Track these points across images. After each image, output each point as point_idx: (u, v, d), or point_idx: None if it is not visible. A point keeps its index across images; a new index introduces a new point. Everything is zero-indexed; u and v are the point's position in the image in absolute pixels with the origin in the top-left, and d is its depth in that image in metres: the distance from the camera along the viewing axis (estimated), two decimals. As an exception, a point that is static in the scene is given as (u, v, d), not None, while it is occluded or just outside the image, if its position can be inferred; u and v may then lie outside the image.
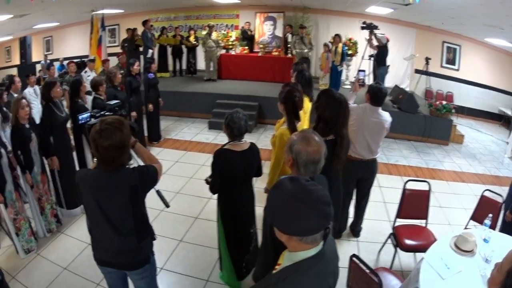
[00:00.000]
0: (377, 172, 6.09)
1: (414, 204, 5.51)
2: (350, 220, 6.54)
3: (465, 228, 5.39)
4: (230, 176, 4.44)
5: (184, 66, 17.34)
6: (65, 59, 16.77)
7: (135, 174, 3.23)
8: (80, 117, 4.12)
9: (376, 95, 5.59)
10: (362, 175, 5.99)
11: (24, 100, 5.91)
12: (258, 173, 4.83)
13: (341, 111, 4.29)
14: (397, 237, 5.27)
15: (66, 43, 20.86)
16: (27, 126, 5.96)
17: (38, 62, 19.18)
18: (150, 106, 10.40)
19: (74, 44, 19.77)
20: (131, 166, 3.43)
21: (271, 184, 4.60)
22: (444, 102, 11.57)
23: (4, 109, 7.15)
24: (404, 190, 5.51)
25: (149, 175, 3.40)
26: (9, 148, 6.04)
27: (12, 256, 5.94)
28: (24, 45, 19.20)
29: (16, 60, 20.36)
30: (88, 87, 8.22)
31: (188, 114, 13.85)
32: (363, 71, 7.30)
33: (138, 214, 3.41)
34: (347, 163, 4.97)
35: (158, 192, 3.92)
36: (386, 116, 5.73)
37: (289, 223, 1.96)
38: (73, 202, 7.03)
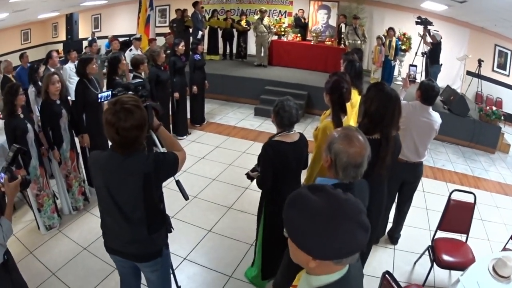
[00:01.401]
0: (421, 177, 5.67)
1: (457, 216, 5.06)
2: (389, 225, 6.12)
3: (504, 248, 5.01)
4: (281, 170, 4.11)
5: (234, 50, 17.05)
6: (114, 36, 16.76)
7: (150, 161, 3.00)
8: (99, 95, 3.81)
9: (427, 92, 5.17)
10: (406, 179, 5.56)
11: (55, 76, 5.91)
12: (305, 165, 4.46)
13: (390, 107, 3.77)
14: (435, 251, 4.86)
15: (115, 21, 20.98)
16: (58, 102, 5.95)
17: (86, 39, 19.32)
18: (195, 88, 10.21)
19: (123, 23, 19.82)
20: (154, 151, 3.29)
21: (309, 181, 4.33)
22: (494, 108, 10.98)
23: (40, 83, 7.03)
24: (449, 200, 5.05)
25: (166, 163, 3.16)
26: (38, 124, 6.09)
27: (33, 231, 6.02)
28: (71, 21, 19.55)
29: (63, 36, 20.71)
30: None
31: (235, 98, 13.64)
32: (415, 66, 6.86)
33: (151, 205, 3.15)
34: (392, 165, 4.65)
35: (177, 182, 3.69)
36: (437, 117, 5.30)
37: (328, 246, 1.53)
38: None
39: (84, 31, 20.65)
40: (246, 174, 4.54)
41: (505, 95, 14.12)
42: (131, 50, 11.35)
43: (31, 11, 16.05)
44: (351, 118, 4.92)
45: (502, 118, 10.98)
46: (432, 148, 10.28)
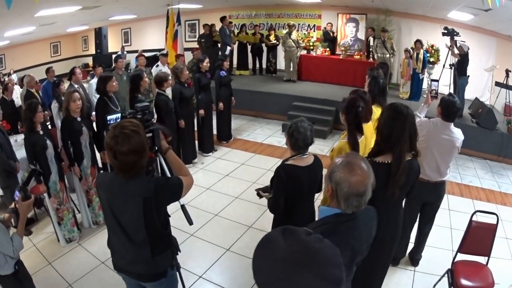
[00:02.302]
0: (443, 196, 5.47)
1: (478, 238, 4.83)
2: (411, 246, 5.91)
3: None
4: (294, 194, 4.00)
5: (264, 65, 17.01)
6: (144, 51, 16.96)
7: (150, 185, 2.99)
8: (108, 118, 3.83)
9: (448, 109, 4.98)
10: (428, 199, 5.37)
11: (76, 93, 6.04)
12: (319, 189, 4.34)
13: (398, 122, 3.61)
14: (454, 275, 4.69)
15: (144, 35, 21.30)
16: (79, 119, 6.06)
17: (115, 53, 19.48)
18: (221, 105, 10.19)
19: (152, 37, 20.12)
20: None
21: (326, 203, 4.24)
22: (522, 120, 10.64)
23: (62, 98, 7.03)
24: (471, 222, 4.83)
25: (168, 188, 3.15)
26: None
27: (53, 243, 6.21)
28: (100, 35, 20.02)
29: (93, 50, 21.17)
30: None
31: (264, 114, 13.59)
32: (437, 81, 6.69)
33: (153, 228, 3.12)
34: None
35: (182, 207, 3.69)
36: (458, 134, 5.13)
37: None
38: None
39: (113, 45, 21.16)
40: (256, 190, 4.46)
41: (534, 106, 13.71)
42: (157, 66, 11.44)
43: (59, 25, 16.46)
44: (372, 138, 4.70)
45: (531, 130, 10.60)
46: (460, 164, 10.07)
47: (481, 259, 4.91)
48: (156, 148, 3.51)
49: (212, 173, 8.94)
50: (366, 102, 4.44)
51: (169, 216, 3.47)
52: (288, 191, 3.94)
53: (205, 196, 7.77)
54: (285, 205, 4.02)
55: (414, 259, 5.84)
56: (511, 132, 10.37)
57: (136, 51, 17.81)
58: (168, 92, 8.48)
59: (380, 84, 5.46)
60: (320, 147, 10.42)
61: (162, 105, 7.87)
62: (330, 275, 1.43)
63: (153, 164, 3.62)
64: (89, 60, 21.09)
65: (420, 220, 5.64)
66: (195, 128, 9.62)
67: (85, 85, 10.12)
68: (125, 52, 20.26)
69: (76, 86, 8.66)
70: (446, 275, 4.96)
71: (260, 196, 4.44)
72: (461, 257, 4.92)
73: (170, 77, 8.25)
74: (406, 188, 3.78)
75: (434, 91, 6.06)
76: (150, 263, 3.24)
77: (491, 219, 4.82)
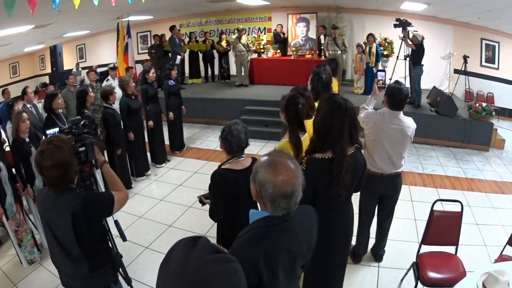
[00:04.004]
0: (401, 188, 5.24)
1: (443, 228, 4.62)
2: (372, 241, 5.70)
3: (501, 255, 4.56)
4: (233, 200, 3.80)
5: (216, 72, 17.02)
6: (99, 66, 16.94)
7: (79, 201, 2.90)
8: (47, 132, 3.71)
9: (394, 96, 4.72)
10: (384, 193, 5.16)
11: (24, 114, 5.96)
12: None
13: (337, 117, 3.30)
14: (419, 268, 4.47)
15: (99, 50, 21.14)
16: (27, 140, 5.98)
17: (71, 70, 19.15)
18: (171, 115, 10.03)
19: (107, 51, 19.94)
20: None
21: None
22: (484, 104, 10.67)
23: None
24: (432, 212, 4.61)
25: (97, 203, 3.07)
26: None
27: (17, 265, 6.11)
28: (55, 53, 20.04)
29: (49, 68, 21.19)
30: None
31: (217, 121, 13.34)
32: (383, 71, 6.57)
33: (86, 243, 3.00)
34: (366, 179, 4.30)
35: (116, 222, 3.67)
36: (409, 122, 4.87)
37: None
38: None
39: (69, 62, 21.12)
40: (198, 197, 4.29)
41: (496, 89, 13.98)
42: (108, 80, 11.20)
43: (15, 45, 16.30)
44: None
45: (494, 113, 10.61)
46: (421, 154, 10.04)
47: (450, 249, 4.69)
48: (91, 162, 3.41)
49: (165, 184, 8.82)
50: (306, 98, 4.29)
51: (108, 230, 3.43)
52: (226, 197, 3.79)
53: (159, 208, 7.66)
54: (225, 211, 3.86)
55: (377, 255, 5.62)
56: (473, 118, 10.40)
57: (91, 67, 17.70)
58: (117, 105, 8.33)
59: (323, 80, 5.26)
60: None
61: (109, 119, 7.70)
62: None
63: (90, 178, 3.50)
64: (47, 79, 20.95)
65: (378, 215, 5.43)
66: (146, 140, 9.46)
67: (39, 104, 9.99)
68: (80, 69, 20.11)
69: (29, 105, 8.60)
70: (411, 268, 4.74)
71: (203, 203, 4.27)
72: (426, 249, 4.70)
73: (115, 91, 8.09)
74: (352, 184, 3.53)
75: (381, 81, 5.84)
76: (89, 278, 3.15)
77: (456, 207, 4.64)
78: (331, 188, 3.27)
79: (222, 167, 3.85)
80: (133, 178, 8.77)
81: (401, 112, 4.84)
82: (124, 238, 3.71)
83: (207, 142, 11.70)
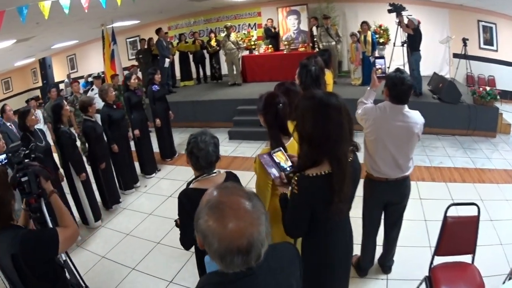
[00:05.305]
0: (409, 194, 4.55)
1: (458, 235, 3.97)
2: (379, 250, 5.06)
3: None
4: None
5: (208, 72, 16.59)
6: (89, 76, 16.74)
7: (17, 241, 2.62)
8: None
9: (396, 87, 3.98)
10: (390, 199, 4.48)
11: None
12: None
13: (334, 119, 2.57)
14: (432, 283, 3.88)
15: (89, 59, 20.93)
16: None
17: (62, 82, 19.59)
18: (158, 121, 9.58)
19: (98, 60, 19.42)
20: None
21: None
22: (487, 88, 10.16)
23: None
24: (445, 219, 3.93)
25: (38, 244, 2.74)
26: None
27: None
28: (44, 66, 20.34)
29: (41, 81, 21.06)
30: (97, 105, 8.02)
31: (209, 124, 12.74)
32: (382, 57, 5.70)
33: (32, 284, 2.76)
34: (368, 185, 3.82)
35: (65, 262, 3.31)
36: (416, 117, 4.15)
37: None
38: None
39: (60, 73, 21.20)
40: (175, 221, 3.53)
41: (497, 71, 13.45)
42: (92, 89, 10.93)
43: (3, 61, 16.36)
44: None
45: (498, 97, 10.13)
46: (427, 145, 9.49)
47: (466, 257, 4.08)
48: (36, 192, 2.99)
49: (155, 196, 8.35)
50: (294, 93, 3.71)
51: (61, 265, 3.18)
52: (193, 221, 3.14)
53: (147, 223, 7.22)
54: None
55: (385, 266, 4.99)
56: (477, 103, 9.90)
57: (82, 77, 17.58)
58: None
59: (312, 73, 4.68)
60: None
61: (89, 132, 7.27)
62: None
63: (40, 211, 3.08)
64: (39, 92, 20.95)
65: (385, 223, 4.76)
66: (133, 150, 9.05)
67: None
68: (71, 79, 19.48)
69: (8, 124, 8.19)
70: (424, 282, 4.12)
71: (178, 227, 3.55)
72: (440, 259, 4.09)
73: (95, 101, 7.68)
74: (353, 196, 2.91)
75: (380, 70, 5.08)
76: None
77: (471, 209, 3.98)
78: (330, 207, 2.62)
79: (190, 186, 3.26)
80: (121, 191, 8.32)
81: (406, 106, 4.12)
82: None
83: (200, 147, 11.09)
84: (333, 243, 2.86)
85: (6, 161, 3.31)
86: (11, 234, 2.66)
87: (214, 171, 3.25)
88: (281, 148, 3.08)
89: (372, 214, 4.59)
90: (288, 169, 2.95)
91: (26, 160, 3.10)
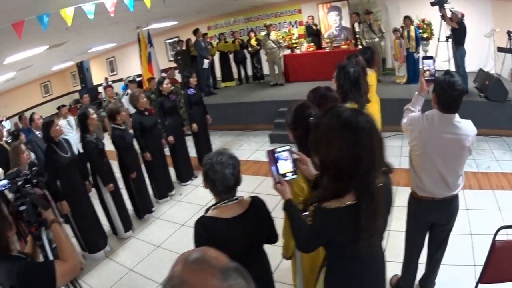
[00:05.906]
0: (457, 214, 4.03)
1: (506, 261, 3.45)
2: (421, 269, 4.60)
3: None
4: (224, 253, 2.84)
5: (250, 72, 16.32)
6: (128, 78, 16.77)
7: (13, 274, 2.45)
8: None
9: (446, 93, 3.46)
10: (436, 221, 4.01)
11: (22, 146, 6.03)
12: (272, 239, 3.11)
13: (364, 144, 2.14)
14: None
15: (129, 62, 20.89)
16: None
17: (101, 85, 19.39)
18: (194, 126, 9.28)
19: (137, 62, 19.27)
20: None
21: (288, 250, 3.15)
22: (536, 85, 9.45)
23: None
24: (493, 243, 3.44)
25: (34, 278, 2.54)
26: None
27: None
28: (82, 69, 20.41)
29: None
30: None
31: (251, 126, 12.62)
32: (430, 58, 5.01)
33: None
34: (412, 204, 3.51)
35: None
36: (468, 128, 3.62)
37: None
38: (94, 245, 6.58)
39: (99, 76, 21.28)
40: None
41: (543, 66, 12.71)
42: (128, 94, 10.60)
43: (38, 66, 16.25)
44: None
45: (547, 94, 9.42)
46: (474, 147, 8.71)
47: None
48: (35, 221, 2.90)
49: (189, 205, 8.07)
50: (331, 100, 3.31)
51: None
52: None
53: (180, 234, 6.97)
54: None
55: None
56: (526, 100, 9.15)
57: (121, 80, 17.66)
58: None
59: (350, 75, 4.27)
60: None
61: (118, 141, 7.09)
62: None
63: (40, 240, 2.98)
64: (78, 96, 21.06)
65: (429, 245, 4.29)
66: (168, 155, 8.86)
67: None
68: (109, 82, 19.48)
69: (37, 132, 8.19)
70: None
71: None
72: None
73: (122, 109, 7.46)
74: (386, 224, 2.48)
75: (428, 72, 4.50)
76: None
77: None
78: (357, 243, 2.23)
79: (207, 214, 2.92)
80: (156, 200, 8.15)
81: (457, 115, 3.59)
82: None
83: (239, 152, 10.67)
84: (361, 281, 2.49)
85: (9, 185, 3.04)
86: (7, 267, 2.49)
87: (235, 196, 2.90)
88: (288, 147, 2.70)
89: (417, 236, 4.17)
90: (288, 175, 2.64)
91: (27, 186, 2.99)
